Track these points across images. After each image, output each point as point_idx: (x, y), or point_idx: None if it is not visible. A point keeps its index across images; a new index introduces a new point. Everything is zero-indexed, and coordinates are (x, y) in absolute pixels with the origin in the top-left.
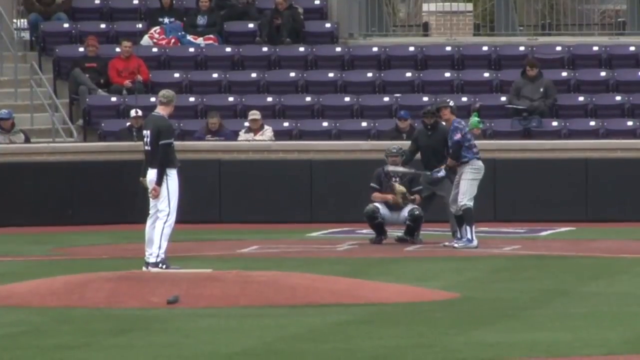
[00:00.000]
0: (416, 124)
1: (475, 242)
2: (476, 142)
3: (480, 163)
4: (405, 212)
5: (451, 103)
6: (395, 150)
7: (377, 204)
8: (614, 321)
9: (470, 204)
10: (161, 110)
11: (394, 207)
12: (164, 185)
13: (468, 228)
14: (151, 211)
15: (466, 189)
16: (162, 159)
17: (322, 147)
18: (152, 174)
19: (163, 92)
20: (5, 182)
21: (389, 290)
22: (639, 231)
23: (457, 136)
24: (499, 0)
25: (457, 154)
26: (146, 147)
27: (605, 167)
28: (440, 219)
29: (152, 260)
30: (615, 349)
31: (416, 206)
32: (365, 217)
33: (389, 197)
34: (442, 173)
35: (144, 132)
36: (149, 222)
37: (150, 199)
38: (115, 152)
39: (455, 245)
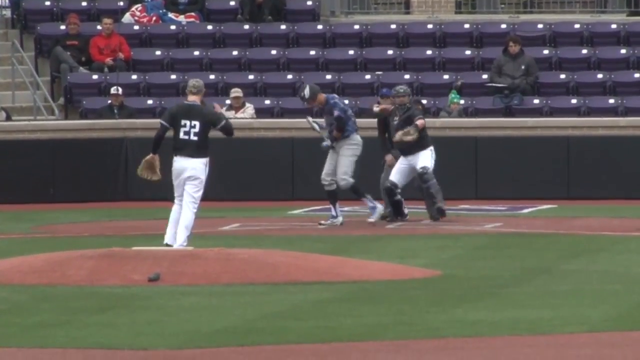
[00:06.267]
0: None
1: (340, 219)
2: (457, 119)
3: (358, 137)
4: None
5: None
6: (402, 90)
7: (394, 180)
8: (595, 299)
9: (353, 180)
10: (196, 100)
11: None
12: (204, 174)
13: (337, 204)
14: (180, 196)
15: (347, 167)
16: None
17: (304, 124)
18: (193, 163)
19: (192, 82)
20: None
21: (370, 268)
22: (620, 209)
23: (336, 112)
24: None
25: (342, 126)
26: (185, 137)
27: (586, 144)
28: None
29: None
30: (596, 326)
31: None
32: (383, 193)
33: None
34: (327, 143)
35: (183, 121)
36: (176, 207)
37: (179, 186)
38: (96, 130)
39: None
